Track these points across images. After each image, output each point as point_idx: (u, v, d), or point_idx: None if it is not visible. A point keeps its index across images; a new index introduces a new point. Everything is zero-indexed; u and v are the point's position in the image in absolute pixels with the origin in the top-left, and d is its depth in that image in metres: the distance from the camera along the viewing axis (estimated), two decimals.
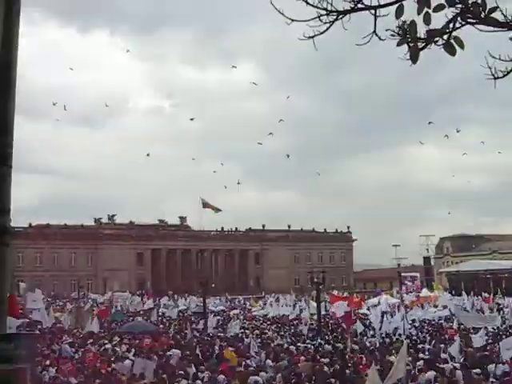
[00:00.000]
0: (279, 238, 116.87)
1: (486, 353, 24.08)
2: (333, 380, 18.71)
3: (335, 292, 71.78)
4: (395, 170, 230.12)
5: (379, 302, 57.92)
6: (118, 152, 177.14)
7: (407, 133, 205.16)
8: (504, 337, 27.71)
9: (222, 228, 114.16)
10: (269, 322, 42.38)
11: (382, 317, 38.52)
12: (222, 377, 18.66)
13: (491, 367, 20.37)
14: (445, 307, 52.35)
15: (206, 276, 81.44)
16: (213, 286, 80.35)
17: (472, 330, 30.13)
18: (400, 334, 30.40)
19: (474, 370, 19.28)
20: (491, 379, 18.39)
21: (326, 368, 20.40)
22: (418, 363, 20.70)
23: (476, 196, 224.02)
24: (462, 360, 22.00)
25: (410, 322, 40.11)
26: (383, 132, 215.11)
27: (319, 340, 29.19)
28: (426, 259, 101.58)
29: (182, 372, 19.63)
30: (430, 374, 19.17)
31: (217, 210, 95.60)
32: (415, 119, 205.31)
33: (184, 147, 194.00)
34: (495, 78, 3.95)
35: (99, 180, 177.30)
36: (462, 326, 34.54)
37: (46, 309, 42.86)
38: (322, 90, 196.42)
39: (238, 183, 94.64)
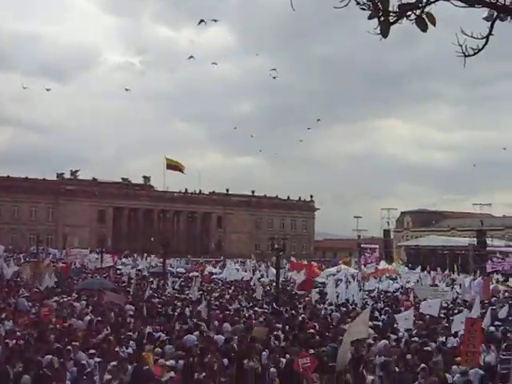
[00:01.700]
0: (242, 202, 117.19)
1: (438, 325, 24.69)
2: (285, 344, 19.08)
3: (293, 259, 72.52)
4: (361, 142, 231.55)
5: (337, 272, 58.68)
6: (85, 107, 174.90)
7: (375, 106, 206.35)
8: (456, 311, 28.39)
9: (186, 190, 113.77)
10: (228, 286, 42.67)
11: (339, 286, 39.00)
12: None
13: (442, 340, 20.95)
14: (401, 280, 53.49)
15: (167, 237, 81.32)
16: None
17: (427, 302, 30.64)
18: (356, 304, 30.87)
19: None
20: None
21: (280, 333, 20.72)
22: (371, 331, 21.22)
23: (439, 173, 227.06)
24: (414, 332, 22.47)
25: (367, 292, 40.83)
26: (352, 103, 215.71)
27: (275, 305, 29.51)
28: (386, 232, 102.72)
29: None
30: (383, 342, 19.63)
31: (181, 170, 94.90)
32: (384, 93, 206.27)
33: (152, 106, 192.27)
34: (465, 56, 3.94)
35: (63, 134, 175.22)
36: (417, 299, 35.30)
37: (5, 261, 42.46)
38: (294, 58, 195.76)
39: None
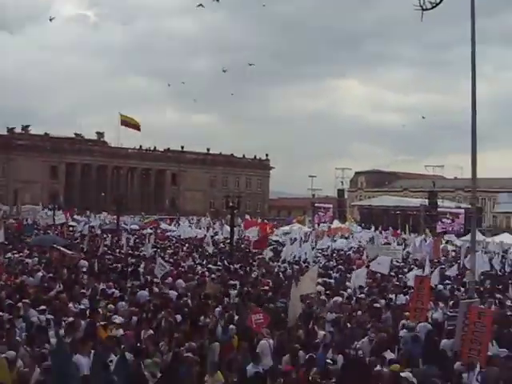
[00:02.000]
0: (197, 160, 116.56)
1: (388, 283, 25.20)
2: (237, 300, 19.23)
3: (248, 217, 72.81)
4: (318, 101, 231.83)
5: (291, 230, 59.18)
6: (36, 60, 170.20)
7: (333, 66, 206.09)
8: (406, 270, 29.00)
9: (140, 146, 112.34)
10: (182, 243, 42.64)
11: (293, 244, 39.37)
12: None
13: (392, 297, 21.43)
14: (354, 239, 54.23)
15: (121, 194, 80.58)
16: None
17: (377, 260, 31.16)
18: (309, 262, 31.21)
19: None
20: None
21: (234, 290, 20.88)
22: (321, 288, 21.65)
23: (393, 134, 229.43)
24: (365, 289, 22.89)
25: (320, 250, 41.32)
26: (310, 63, 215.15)
27: (229, 263, 29.67)
28: (340, 192, 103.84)
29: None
30: (335, 299, 19.99)
31: (136, 127, 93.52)
32: (342, 53, 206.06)
33: (106, 60, 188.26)
34: (423, 10, 3.89)
35: (14, 87, 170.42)
36: (369, 258, 35.91)
37: None
38: (253, 16, 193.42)
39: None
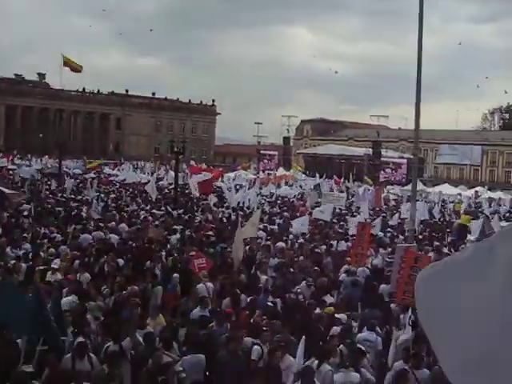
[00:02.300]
0: (142, 104, 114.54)
1: (330, 230, 25.65)
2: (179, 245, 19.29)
3: (193, 163, 72.55)
4: (266, 48, 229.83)
5: (236, 177, 59.28)
6: None
7: (282, 12, 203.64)
8: (349, 217, 29.46)
9: (84, 89, 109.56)
10: (126, 188, 42.23)
11: (237, 191, 39.50)
12: None
13: (334, 243, 21.82)
14: (298, 187, 54.69)
15: (63, 137, 78.81)
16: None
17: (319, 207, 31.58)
18: (253, 208, 31.40)
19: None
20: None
21: (175, 235, 20.91)
22: (262, 234, 21.95)
23: (340, 83, 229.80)
24: (308, 236, 23.24)
25: (264, 197, 41.59)
26: (259, 9, 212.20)
27: (173, 208, 29.61)
28: (286, 139, 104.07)
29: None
30: (278, 245, 20.25)
31: (77, 68, 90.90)
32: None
33: None
34: None
35: None
36: (311, 204, 36.36)
37: None
38: None
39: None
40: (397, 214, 32.88)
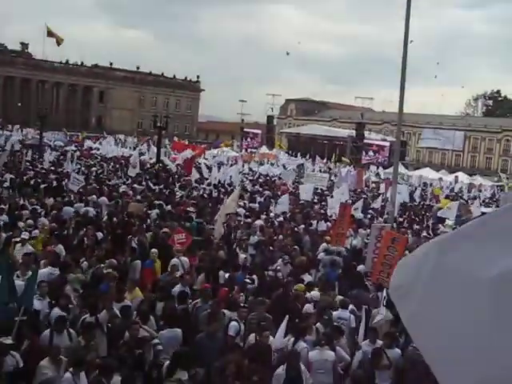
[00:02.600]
0: (126, 78, 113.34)
1: (311, 209, 25.72)
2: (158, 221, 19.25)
3: (175, 139, 72.24)
4: (252, 25, 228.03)
5: (219, 154, 59.16)
6: None
7: None
8: (330, 197, 29.54)
9: (67, 61, 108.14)
10: (107, 162, 41.95)
11: (219, 168, 39.42)
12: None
13: (314, 223, 21.92)
14: (280, 166, 54.68)
15: (45, 109, 77.84)
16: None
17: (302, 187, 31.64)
18: (234, 186, 31.37)
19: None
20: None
21: (156, 210, 20.85)
22: (242, 211, 21.98)
23: (326, 63, 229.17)
24: (288, 215, 23.28)
25: (246, 175, 41.57)
26: None
27: (154, 183, 29.51)
28: (270, 118, 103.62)
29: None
30: (258, 222, 20.30)
31: (59, 41, 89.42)
32: None
33: None
34: None
35: None
36: (294, 184, 36.43)
37: None
38: None
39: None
40: (380, 197, 33.08)
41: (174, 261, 13.87)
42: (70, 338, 9.25)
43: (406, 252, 17.32)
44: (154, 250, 14.35)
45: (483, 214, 30.11)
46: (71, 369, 8.05)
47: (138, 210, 19.82)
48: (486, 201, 43.01)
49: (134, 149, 55.71)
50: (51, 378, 8.02)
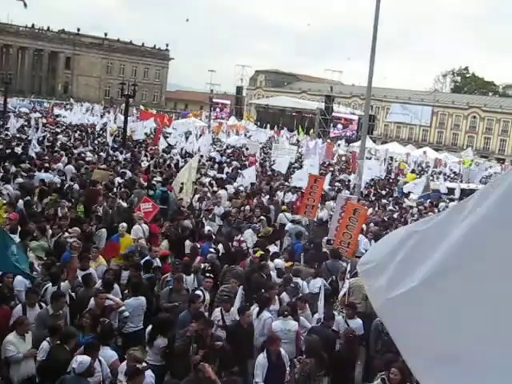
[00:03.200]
0: (94, 44, 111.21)
1: (278, 181, 25.78)
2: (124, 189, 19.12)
3: (143, 107, 71.44)
4: None
5: (187, 124, 58.66)
6: None
7: None
8: (296, 170, 29.61)
9: (33, 25, 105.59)
10: (74, 130, 41.36)
11: (188, 138, 39.14)
12: None
13: (281, 194, 22.00)
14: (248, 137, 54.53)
15: (9, 74, 76.21)
16: None
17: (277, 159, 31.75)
18: (202, 156, 31.24)
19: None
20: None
21: (121, 179, 20.70)
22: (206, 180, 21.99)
23: (297, 35, 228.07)
24: (255, 186, 23.29)
25: (214, 145, 41.39)
26: None
27: (121, 151, 29.26)
28: (239, 89, 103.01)
29: None
30: (222, 192, 20.33)
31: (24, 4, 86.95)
32: None
33: None
34: None
35: None
36: (262, 156, 36.42)
37: None
38: None
39: None
40: (347, 171, 33.32)
41: (136, 228, 13.86)
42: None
43: (371, 225, 17.66)
44: (123, 224, 13.80)
45: (449, 189, 30.82)
46: (48, 338, 8.02)
47: (103, 177, 19.63)
48: (452, 176, 43.53)
49: (102, 117, 55.00)
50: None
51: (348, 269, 11.35)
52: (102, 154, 27.58)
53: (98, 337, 8.22)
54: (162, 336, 8.61)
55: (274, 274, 11.95)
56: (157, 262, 11.97)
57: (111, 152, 28.86)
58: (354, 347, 9.27)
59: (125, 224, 13.77)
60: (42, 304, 9.27)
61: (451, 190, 30.05)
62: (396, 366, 7.44)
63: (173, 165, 26.73)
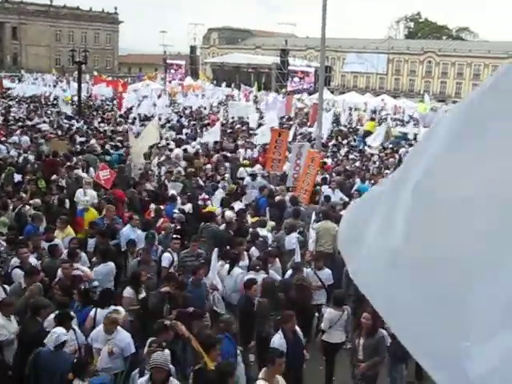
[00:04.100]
0: (40, 12, 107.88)
1: (241, 139, 25.71)
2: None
3: (96, 74, 70.16)
4: None
5: (142, 87, 57.83)
6: None
7: None
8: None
9: None
10: (26, 102, 40.45)
11: (144, 101, 38.62)
12: None
13: (242, 151, 21.95)
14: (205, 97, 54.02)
15: None
16: None
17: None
18: (160, 119, 30.89)
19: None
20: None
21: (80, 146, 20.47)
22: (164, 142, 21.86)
23: None
24: (218, 145, 23.21)
25: (172, 108, 40.95)
26: None
27: (78, 120, 28.79)
28: (193, 48, 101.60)
29: None
30: (178, 151, 20.33)
31: None
32: None
33: None
34: None
35: None
36: (227, 115, 36.23)
37: None
38: None
39: None
40: (308, 124, 33.35)
41: (93, 194, 14.00)
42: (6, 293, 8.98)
43: (334, 175, 17.81)
44: (87, 198, 13.55)
45: (403, 134, 31.44)
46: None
47: (61, 147, 19.31)
48: (410, 122, 43.85)
49: (54, 87, 53.82)
50: None
51: (313, 218, 11.52)
52: (59, 123, 27.13)
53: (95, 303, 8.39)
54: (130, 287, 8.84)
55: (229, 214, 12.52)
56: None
57: (66, 121, 28.37)
58: (305, 294, 9.48)
59: (88, 198, 13.56)
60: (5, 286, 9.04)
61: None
62: (368, 311, 7.62)
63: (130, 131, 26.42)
